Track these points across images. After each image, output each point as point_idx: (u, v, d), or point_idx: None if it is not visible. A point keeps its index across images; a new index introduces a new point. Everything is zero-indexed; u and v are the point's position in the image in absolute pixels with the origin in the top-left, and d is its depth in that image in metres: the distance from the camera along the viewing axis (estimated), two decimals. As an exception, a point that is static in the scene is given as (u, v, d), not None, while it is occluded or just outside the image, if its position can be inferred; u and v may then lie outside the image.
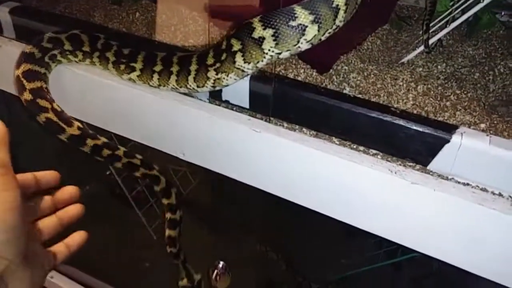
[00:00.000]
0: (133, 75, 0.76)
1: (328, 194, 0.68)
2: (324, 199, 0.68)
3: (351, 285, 1.32)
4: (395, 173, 0.62)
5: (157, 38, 0.92)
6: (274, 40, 0.63)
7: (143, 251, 1.48)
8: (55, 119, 0.75)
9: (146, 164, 0.84)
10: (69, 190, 0.66)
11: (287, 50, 0.64)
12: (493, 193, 0.62)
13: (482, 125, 0.72)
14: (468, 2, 0.83)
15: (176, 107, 0.73)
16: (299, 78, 0.80)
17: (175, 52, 0.75)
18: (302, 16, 0.61)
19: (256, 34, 0.63)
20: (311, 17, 0.61)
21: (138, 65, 0.76)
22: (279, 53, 0.64)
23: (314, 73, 0.82)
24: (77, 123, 0.78)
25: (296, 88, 0.71)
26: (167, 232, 0.88)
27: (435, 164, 0.64)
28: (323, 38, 0.65)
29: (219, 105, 0.77)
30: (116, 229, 1.53)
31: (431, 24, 0.91)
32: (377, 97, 0.78)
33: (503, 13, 0.95)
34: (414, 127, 0.63)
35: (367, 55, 0.90)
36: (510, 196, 0.62)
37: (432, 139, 0.62)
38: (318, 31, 0.63)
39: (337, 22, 0.63)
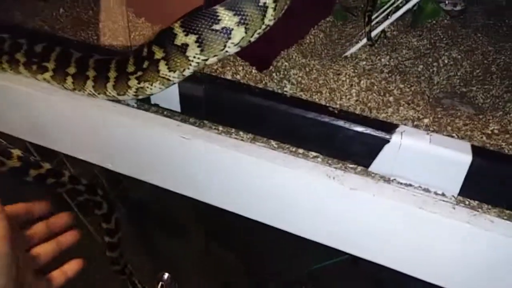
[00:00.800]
0: (47, 76, 0.69)
1: (265, 202, 0.63)
2: (261, 207, 0.64)
3: (311, 281, 1.30)
4: (333, 178, 0.58)
5: (82, 36, 0.84)
6: (198, 46, 0.57)
7: (93, 263, 1.40)
8: None
9: (91, 189, 0.82)
10: (64, 216, 0.70)
11: (214, 56, 0.58)
12: (436, 193, 0.59)
13: (426, 120, 0.69)
14: (412, -9, 0.80)
15: (98, 113, 0.66)
16: (238, 76, 0.75)
17: (91, 54, 0.68)
18: (226, 18, 0.55)
19: (178, 41, 0.57)
20: (236, 19, 0.55)
21: (51, 65, 0.68)
22: (206, 59, 0.58)
23: (254, 71, 0.77)
24: (16, 153, 0.71)
25: (229, 89, 0.65)
26: (108, 253, 0.88)
27: (377, 165, 0.61)
28: (252, 40, 0.59)
29: (148, 109, 0.70)
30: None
31: (374, 16, 0.88)
32: (319, 94, 0.74)
33: (447, 2, 0.93)
34: (353, 128, 0.59)
35: (309, 50, 0.86)
36: (453, 196, 0.59)
37: (372, 140, 0.59)
38: (246, 32, 0.57)
39: (266, 21, 0.58)
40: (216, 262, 1.34)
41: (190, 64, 0.59)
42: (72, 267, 0.69)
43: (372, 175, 0.61)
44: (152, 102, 0.70)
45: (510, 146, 0.65)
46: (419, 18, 0.92)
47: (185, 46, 0.58)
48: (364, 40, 0.83)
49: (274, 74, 0.77)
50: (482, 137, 0.66)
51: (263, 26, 0.59)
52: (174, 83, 0.64)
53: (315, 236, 0.63)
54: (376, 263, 0.63)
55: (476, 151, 0.56)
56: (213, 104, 0.67)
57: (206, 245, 1.37)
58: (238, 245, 1.32)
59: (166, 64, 0.60)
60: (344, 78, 0.78)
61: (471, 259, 0.55)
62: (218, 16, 0.56)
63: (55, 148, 0.76)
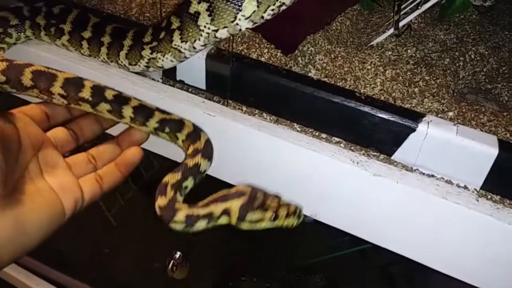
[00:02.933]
0: (64, 40, 0.69)
1: (287, 183, 0.63)
2: (283, 189, 0.64)
3: (318, 272, 1.30)
4: (357, 163, 0.58)
5: (110, 10, 0.84)
6: (209, 15, 0.57)
7: (102, 237, 1.41)
8: None
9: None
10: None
11: (224, 27, 0.58)
12: (458, 186, 0.59)
13: (450, 113, 0.69)
14: (442, -16, 0.79)
15: (124, 85, 0.66)
16: (262, 59, 0.75)
17: (109, 22, 0.68)
18: None
19: (192, 9, 0.57)
20: None
21: (67, 27, 0.68)
22: (216, 31, 0.58)
23: (279, 54, 0.77)
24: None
25: (255, 69, 0.65)
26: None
27: (400, 153, 0.60)
28: (266, 16, 0.58)
29: (173, 86, 0.70)
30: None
31: (402, 6, 0.86)
32: (343, 81, 0.73)
33: (477, -3, 0.91)
34: (379, 115, 0.59)
35: (335, 36, 0.85)
36: (476, 189, 0.59)
37: (398, 128, 0.58)
38: (258, 7, 0.56)
39: None
40: (223, 248, 1.34)
41: (201, 35, 0.59)
42: (127, 157, 0.64)
43: (395, 163, 0.61)
44: (178, 78, 0.70)
45: (534, 144, 0.64)
46: (447, 12, 0.91)
47: (197, 15, 0.58)
48: (391, 30, 0.82)
49: (299, 58, 0.77)
50: (506, 134, 0.66)
51: (278, 3, 0.57)
52: (185, 58, 0.63)
53: (334, 221, 0.63)
54: (389, 253, 0.63)
55: (503, 145, 0.55)
56: (239, 83, 0.67)
57: (213, 231, 1.37)
58: (245, 232, 1.32)
59: (180, 34, 0.60)
60: (369, 67, 0.77)
61: (491, 252, 0.55)
62: None
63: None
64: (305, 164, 0.61)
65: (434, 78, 0.76)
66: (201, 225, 0.57)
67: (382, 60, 0.79)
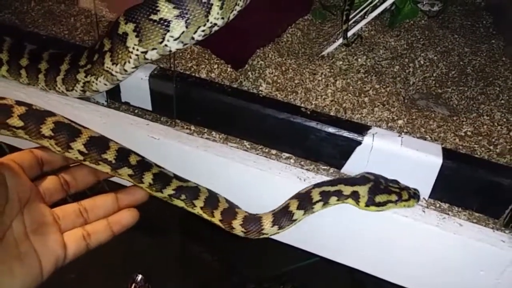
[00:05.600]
0: (3, 71, 0.66)
1: (241, 203, 0.62)
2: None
3: (289, 282, 1.29)
4: (304, 180, 0.57)
5: (54, 31, 0.81)
6: (136, 36, 0.55)
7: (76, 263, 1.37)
8: None
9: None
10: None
11: (153, 49, 0.56)
12: (406, 196, 0.59)
13: (400, 122, 0.69)
14: (390, -10, 0.80)
15: (65, 111, 0.64)
16: (213, 74, 0.74)
17: (47, 49, 0.67)
18: (165, 9, 0.53)
19: (120, 30, 0.56)
20: (176, 12, 0.54)
21: (4, 56, 0.66)
22: (145, 52, 0.56)
23: (229, 69, 0.76)
24: None
25: (201, 87, 0.64)
26: None
27: (349, 166, 0.60)
28: (197, 37, 0.57)
29: (119, 108, 0.68)
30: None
31: (352, 15, 0.87)
32: (294, 93, 0.73)
33: (424, 2, 0.92)
34: (325, 129, 0.59)
35: (286, 48, 0.84)
36: (424, 198, 0.59)
37: (344, 141, 0.58)
38: (187, 27, 0.55)
39: (211, 19, 0.56)
40: (192, 263, 1.32)
41: (130, 57, 0.57)
42: (123, 217, 0.62)
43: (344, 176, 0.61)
44: (123, 100, 0.68)
45: (483, 148, 0.65)
46: (396, 18, 0.92)
47: (125, 36, 0.56)
48: (341, 40, 0.82)
49: (249, 72, 0.76)
50: (455, 139, 0.66)
51: (209, 24, 0.56)
52: (118, 81, 0.62)
53: (285, 237, 0.62)
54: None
55: (447, 153, 0.56)
56: (185, 103, 0.66)
57: (182, 246, 1.35)
58: (215, 245, 1.31)
59: (110, 56, 0.58)
60: (320, 78, 0.77)
61: (441, 262, 0.55)
62: (157, 6, 0.54)
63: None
64: (254, 183, 0.60)
65: (384, 86, 0.77)
66: (317, 207, 0.57)
67: (332, 70, 0.79)
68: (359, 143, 0.57)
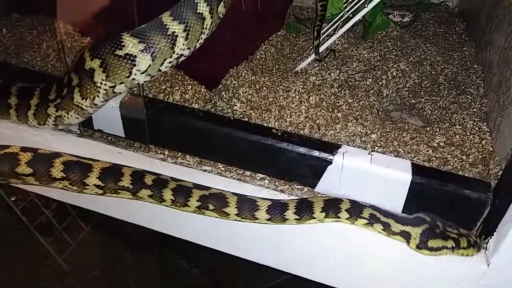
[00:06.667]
0: None
1: (212, 227, 0.62)
2: (207, 233, 0.63)
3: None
4: (277, 201, 0.57)
5: (25, 58, 0.81)
6: (103, 71, 0.55)
7: (55, 284, 1.36)
8: None
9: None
10: None
11: (121, 83, 0.56)
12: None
13: (373, 136, 0.70)
14: (360, 3, 0.80)
15: (36, 142, 0.64)
16: (187, 96, 0.74)
17: (14, 82, 0.66)
18: (130, 44, 0.54)
19: (86, 66, 0.56)
20: (141, 46, 0.54)
21: None
22: (113, 87, 0.57)
23: (203, 89, 0.76)
24: None
25: (172, 112, 0.64)
26: None
27: (322, 185, 0.61)
28: (164, 69, 0.57)
29: (92, 135, 0.68)
30: (22, 261, 1.40)
31: (325, 29, 0.88)
32: (268, 112, 0.73)
33: (395, 13, 0.94)
34: (296, 149, 0.59)
35: (259, 66, 0.85)
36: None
37: (315, 161, 0.59)
38: (153, 61, 0.55)
39: (177, 50, 0.56)
40: (182, 280, 1.32)
41: (99, 91, 0.57)
42: None
43: (319, 195, 0.61)
44: (95, 128, 0.68)
45: (455, 159, 0.66)
46: (369, 30, 0.93)
47: (92, 71, 0.56)
48: (313, 56, 0.83)
49: (223, 92, 0.76)
50: (428, 150, 0.67)
51: (175, 55, 0.57)
52: (90, 114, 0.62)
53: (259, 258, 0.63)
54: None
55: (416, 169, 0.56)
56: (157, 128, 0.66)
57: (171, 263, 1.35)
58: (204, 261, 1.30)
59: (79, 91, 0.58)
60: (293, 95, 0.77)
61: (413, 277, 0.56)
62: (122, 42, 0.54)
63: None
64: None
65: (357, 100, 0.77)
66: (360, 223, 0.56)
67: (306, 86, 0.80)
68: (330, 162, 0.58)
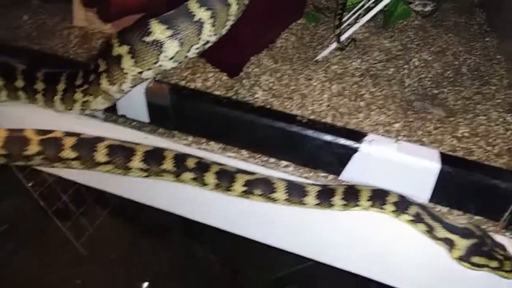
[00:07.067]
0: (3, 95, 0.67)
1: (239, 215, 0.63)
2: (235, 220, 0.63)
3: (292, 283, 1.29)
4: (303, 189, 0.57)
5: (47, 44, 0.81)
6: (132, 57, 0.56)
7: (72, 268, 1.38)
8: None
9: None
10: None
11: (149, 69, 0.57)
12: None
13: (397, 125, 0.69)
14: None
15: (63, 127, 0.64)
16: (208, 83, 0.74)
17: (38, 68, 0.66)
18: (158, 31, 0.54)
19: (114, 52, 0.56)
20: (168, 32, 0.54)
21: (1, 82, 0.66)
22: (141, 72, 0.57)
23: (224, 77, 0.76)
24: None
25: (196, 98, 0.64)
26: None
27: (347, 173, 0.60)
28: (191, 55, 0.58)
29: (116, 121, 0.69)
30: (41, 246, 1.42)
31: (345, 18, 0.87)
32: (290, 100, 0.73)
33: (416, 2, 0.92)
34: (322, 137, 0.59)
35: (280, 54, 0.84)
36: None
37: (341, 149, 0.58)
38: (181, 47, 0.55)
39: (204, 37, 0.56)
40: (199, 266, 1.33)
41: (126, 77, 0.58)
42: None
43: (343, 183, 0.61)
44: (119, 113, 0.68)
45: (480, 150, 0.65)
46: (390, 19, 0.92)
47: (119, 57, 0.57)
48: (334, 44, 0.82)
49: (244, 80, 0.76)
50: (452, 141, 0.67)
51: (201, 42, 0.57)
52: (116, 99, 0.62)
53: (285, 245, 0.63)
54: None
55: (445, 158, 0.56)
56: (182, 114, 0.66)
57: (185, 249, 1.36)
58: (218, 248, 1.31)
59: (107, 77, 0.59)
60: (315, 83, 0.77)
61: (437, 266, 0.56)
62: (149, 28, 0.54)
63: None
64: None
65: (379, 89, 0.77)
66: (404, 218, 0.56)
67: (327, 75, 0.79)
68: (356, 150, 0.58)
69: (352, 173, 0.60)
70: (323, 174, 0.63)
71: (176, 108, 0.64)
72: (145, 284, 1.02)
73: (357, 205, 0.56)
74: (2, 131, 0.57)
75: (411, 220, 0.55)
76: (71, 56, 0.78)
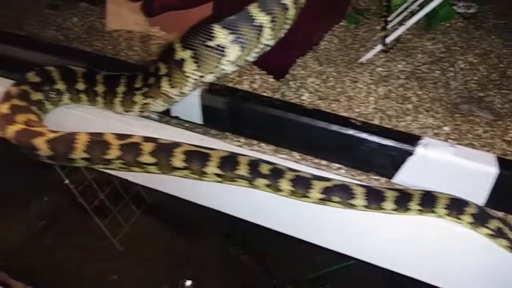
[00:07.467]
0: (66, 99, 0.69)
1: (287, 214, 0.64)
2: (289, 222, 0.65)
3: (327, 283, 1.30)
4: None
5: (94, 47, 0.84)
6: (194, 62, 0.57)
7: (109, 264, 1.41)
8: None
9: None
10: None
11: (210, 73, 0.58)
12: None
13: (446, 128, 0.70)
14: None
15: (120, 128, 0.66)
16: (255, 85, 0.75)
17: (97, 71, 0.69)
18: (221, 35, 0.55)
19: (177, 56, 0.58)
20: (231, 37, 0.56)
21: (62, 86, 0.69)
22: (202, 76, 0.58)
23: (271, 79, 0.77)
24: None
25: (250, 101, 0.66)
26: None
27: (400, 176, 0.61)
28: (251, 59, 0.59)
29: (169, 122, 0.70)
30: (78, 241, 1.46)
31: (388, 19, 0.87)
32: (337, 102, 0.74)
33: (459, 4, 0.92)
34: (376, 140, 0.59)
35: (324, 56, 0.85)
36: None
37: (396, 152, 0.59)
38: (242, 51, 0.57)
39: (263, 41, 0.58)
40: (231, 265, 1.35)
41: (188, 81, 0.59)
42: None
43: (395, 186, 0.62)
44: (172, 114, 0.70)
45: (530, 153, 0.65)
46: (432, 21, 0.92)
47: (182, 61, 0.58)
48: (379, 46, 0.83)
49: (291, 82, 0.77)
50: (502, 145, 0.67)
51: (261, 46, 0.58)
52: (176, 101, 0.64)
53: (333, 245, 0.65)
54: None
55: (502, 163, 0.56)
56: (235, 116, 0.67)
57: (220, 248, 1.38)
58: (255, 248, 1.33)
59: (168, 80, 0.60)
60: (361, 86, 0.78)
61: (491, 270, 0.56)
62: (212, 33, 0.56)
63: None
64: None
65: (426, 92, 0.77)
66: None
67: (373, 77, 0.80)
68: (411, 153, 0.58)
69: (406, 176, 0.60)
70: (375, 177, 0.63)
71: (230, 110, 0.66)
72: (188, 282, 1.04)
73: (433, 212, 0.56)
74: (84, 135, 0.59)
75: (491, 234, 0.55)
76: (122, 58, 0.80)
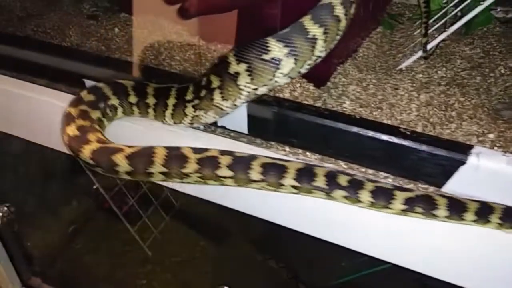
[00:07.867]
0: (119, 113, 0.71)
1: (316, 216, 0.65)
2: (313, 222, 0.66)
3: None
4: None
5: (137, 57, 0.85)
6: (249, 75, 0.58)
7: (138, 269, 1.43)
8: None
9: None
10: None
11: (264, 85, 0.59)
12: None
13: (491, 136, 0.69)
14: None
15: (169, 139, 0.68)
16: (295, 93, 0.76)
17: (146, 83, 0.70)
18: (276, 49, 0.56)
19: (231, 69, 0.59)
20: (286, 50, 0.56)
21: (116, 101, 0.71)
22: (256, 89, 0.59)
23: (311, 87, 0.78)
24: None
25: (297, 111, 0.66)
26: None
27: (451, 186, 0.61)
28: (303, 71, 0.60)
29: (215, 131, 0.72)
30: (108, 246, 1.48)
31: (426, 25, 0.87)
32: (379, 110, 0.74)
33: (498, 9, 0.92)
34: (427, 150, 0.59)
35: (363, 63, 0.86)
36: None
37: (447, 161, 0.59)
38: (295, 63, 0.58)
39: (316, 53, 0.58)
40: (261, 270, 1.35)
41: (241, 93, 0.60)
42: None
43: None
44: (219, 124, 0.71)
45: None
46: (471, 26, 0.91)
47: (236, 75, 0.59)
48: (419, 53, 0.83)
49: (332, 90, 0.78)
50: (549, 152, 0.66)
51: (314, 57, 0.59)
52: (227, 113, 0.65)
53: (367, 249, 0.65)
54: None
55: (555, 172, 0.56)
56: (280, 125, 0.68)
57: (251, 253, 1.38)
58: (283, 252, 1.33)
59: (221, 93, 0.61)
60: (402, 93, 0.78)
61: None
62: (268, 46, 0.57)
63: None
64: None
65: (468, 99, 0.77)
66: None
67: (414, 84, 0.80)
68: (463, 162, 0.58)
69: (456, 185, 0.60)
70: (423, 186, 0.63)
71: (276, 119, 0.67)
72: (224, 288, 1.06)
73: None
74: (161, 149, 0.60)
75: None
76: (166, 68, 0.81)
